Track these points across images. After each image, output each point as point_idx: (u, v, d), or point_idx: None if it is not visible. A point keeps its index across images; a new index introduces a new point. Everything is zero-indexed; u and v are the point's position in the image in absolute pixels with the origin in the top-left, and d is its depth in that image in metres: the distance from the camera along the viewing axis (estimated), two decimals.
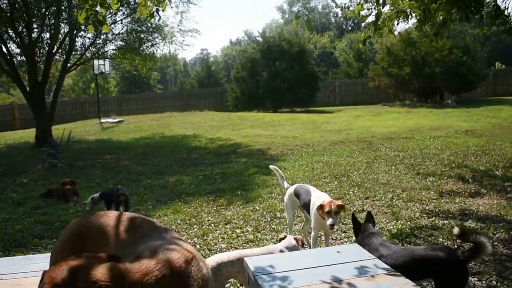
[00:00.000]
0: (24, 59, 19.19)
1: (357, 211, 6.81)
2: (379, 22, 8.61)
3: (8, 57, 18.55)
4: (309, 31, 57.84)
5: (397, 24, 10.83)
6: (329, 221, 4.76)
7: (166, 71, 63.93)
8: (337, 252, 3.39)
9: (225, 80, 52.00)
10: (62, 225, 6.96)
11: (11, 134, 24.76)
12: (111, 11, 17.39)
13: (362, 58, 42.62)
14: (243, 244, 5.77)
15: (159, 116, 27.21)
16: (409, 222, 6.19)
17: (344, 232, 6.02)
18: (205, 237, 6.09)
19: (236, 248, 5.59)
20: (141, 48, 21.24)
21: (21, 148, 18.19)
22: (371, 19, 9.06)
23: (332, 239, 5.74)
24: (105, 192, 7.67)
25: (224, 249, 5.58)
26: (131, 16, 19.78)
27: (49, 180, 11.12)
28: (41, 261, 3.80)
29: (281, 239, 4.52)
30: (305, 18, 5.08)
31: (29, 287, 3.32)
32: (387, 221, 6.29)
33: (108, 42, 21.17)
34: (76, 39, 20.00)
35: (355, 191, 7.99)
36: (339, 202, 4.96)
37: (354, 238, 5.63)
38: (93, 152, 15.66)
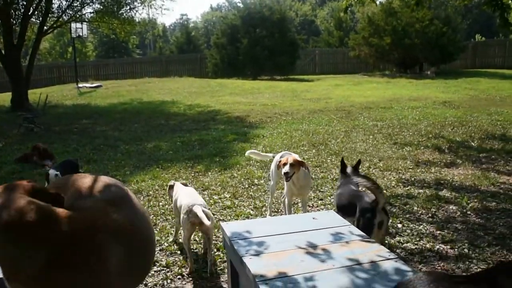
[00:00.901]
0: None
1: (334, 179, 6.85)
2: None
3: None
4: None
5: None
6: (283, 170, 4.80)
7: (145, 36, 62.97)
8: (313, 218, 3.42)
9: (205, 47, 51.38)
10: None
11: None
12: None
13: (343, 27, 42.47)
14: (221, 210, 5.79)
15: (137, 81, 26.88)
16: (385, 191, 6.25)
17: (321, 199, 6.08)
18: None
19: (214, 214, 5.61)
20: (120, 12, 20.83)
21: None
22: None
23: (309, 206, 5.78)
24: (63, 164, 7.10)
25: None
26: None
27: (25, 144, 10.92)
28: None
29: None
30: None
31: None
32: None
33: (85, 4, 20.76)
34: (53, 1, 19.53)
35: (333, 160, 8.04)
36: (298, 158, 5.03)
37: (331, 204, 5.70)
38: (70, 117, 15.44)
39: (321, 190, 6.44)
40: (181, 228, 4.51)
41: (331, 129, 11.04)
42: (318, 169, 7.50)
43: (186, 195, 4.51)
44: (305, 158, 8.03)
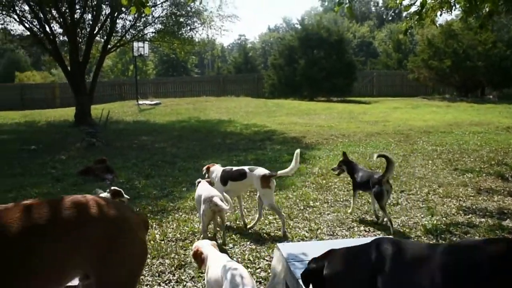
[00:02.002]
0: (66, 39, 19.54)
1: (391, 204, 6.73)
2: (423, 12, 8.42)
3: (51, 36, 18.93)
4: (351, 18, 57.25)
5: (440, 15, 10.60)
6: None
7: (204, 56, 64.16)
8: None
9: (262, 67, 51.90)
10: None
11: (52, 112, 25.34)
12: None
13: (401, 49, 41.86)
14: (275, 231, 5.77)
15: (195, 100, 27.38)
16: (444, 218, 6.09)
17: (378, 224, 5.95)
18: (237, 222, 6.12)
19: (268, 235, 5.62)
20: (180, 32, 21.38)
21: (60, 126, 18.60)
22: (413, 9, 8.89)
23: (366, 231, 5.69)
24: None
25: (255, 235, 5.61)
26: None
27: (87, 158, 11.31)
28: None
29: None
30: (347, 4, 5.01)
31: None
32: (422, 216, 6.19)
33: (148, 25, 21.41)
34: (117, 21, 20.30)
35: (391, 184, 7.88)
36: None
37: (388, 229, 5.59)
38: (130, 132, 15.88)
39: (378, 215, 6.32)
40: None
41: (388, 152, 10.86)
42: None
43: (205, 190, 5.37)
44: None
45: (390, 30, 57.78)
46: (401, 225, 5.87)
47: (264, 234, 5.66)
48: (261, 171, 5.79)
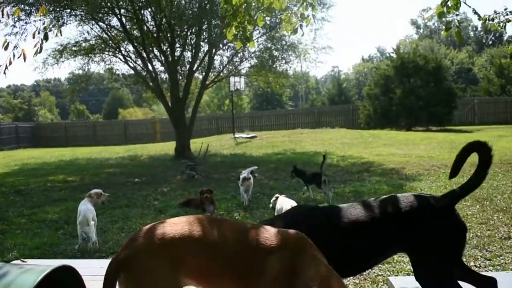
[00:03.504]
0: (167, 76, 20.53)
1: (503, 238, 6.35)
2: None
3: (153, 74, 19.95)
4: (460, 42, 55.52)
5: None
6: None
7: (298, 88, 64.74)
8: None
9: (356, 98, 51.51)
10: None
11: (153, 146, 26.51)
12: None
13: (504, 74, 39.88)
14: (379, 266, 5.58)
15: (290, 132, 27.58)
16: None
17: (489, 260, 5.61)
18: None
19: (372, 269, 5.46)
20: (274, 66, 21.75)
21: (162, 160, 19.37)
22: None
23: (476, 267, 5.40)
24: None
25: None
26: (267, 34, 20.38)
27: (187, 190, 11.67)
28: None
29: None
30: (456, 29, 4.87)
31: None
32: None
33: (244, 60, 22.02)
34: (215, 57, 21.02)
35: (500, 216, 7.46)
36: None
37: (501, 265, 5.26)
38: (228, 165, 16.21)
39: (488, 249, 5.97)
40: None
41: (495, 183, 10.30)
42: (484, 226, 6.99)
43: (286, 201, 6.83)
44: (468, 214, 7.60)
45: (490, 54, 55.42)
46: None
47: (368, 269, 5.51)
48: None
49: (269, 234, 2.64)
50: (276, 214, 6.77)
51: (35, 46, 5.68)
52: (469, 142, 3.48)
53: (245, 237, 2.63)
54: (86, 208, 6.81)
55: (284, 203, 6.67)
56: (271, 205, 7.60)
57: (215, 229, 2.66)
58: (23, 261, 4.67)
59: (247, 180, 9.55)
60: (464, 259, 5.49)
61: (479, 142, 3.32)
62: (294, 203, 6.70)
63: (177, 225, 2.61)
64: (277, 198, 7.30)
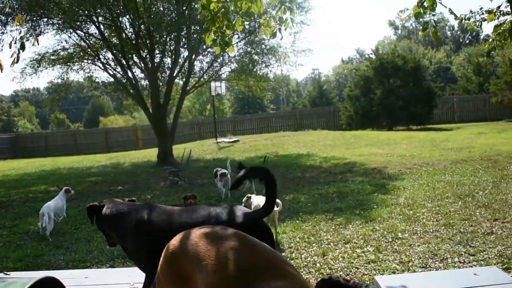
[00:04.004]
0: (147, 83, 20.44)
1: (485, 233, 6.43)
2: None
3: (133, 81, 19.86)
4: (437, 42, 56.11)
5: None
6: None
7: (279, 91, 64.98)
8: (474, 274, 3.22)
9: (337, 99, 51.75)
10: None
11: (135, 153, 26.35)
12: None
13: (482, 72, 40.41)
14: (365, 265, 5.64)
15: (272, 135, 27.62)
16: None
17: (473, 255, 5.68)
18: (325, 256, 6.03)
19: (357, 268, 5.50)
20: (255, 69, 21.76)
21: (144, 166, 19.26)
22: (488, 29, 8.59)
23: (460, 262, 5.46)
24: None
25: (345, 269, 5.51)
26: (246, 38, 20.40)
27: (170, 196, 11.63)
28: None
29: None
30: (433, 29, 4.92)
31: None
32: None
33: (224, 64, 22.00)
34: (195, 62, 20.97)
35: (482, 212, 7.54)
36: None
37: (484, 260, 5.32)
38: (211, 170, 16.06)
39: (472, 245, 6.03)
40: None
41: (477, 179, 10.42)
42: (466, 222, 7.07)
43: (260, 199, 6.85)
44: (451, 211, 7.68)
45: (468, 53, 56.12)
46: (498, 255, 5.57)
47: (354, 268, 5.54)
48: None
49: None
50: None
51: (11, 56, 5.61)
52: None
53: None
54: (46, 204, 8.32)
55: (260, 200, 6.94)
56: (243, 204, 7.62)
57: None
58: (6, 274, 4.61)
59: (225, 176, 10.91)
60: (449, 256, 5.57)
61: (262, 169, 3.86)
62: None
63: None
64: (249, 197, 7.52)
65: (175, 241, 2.59)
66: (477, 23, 9.30)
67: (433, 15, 5.03)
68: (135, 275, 4.16)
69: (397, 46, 41.05)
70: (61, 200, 8.85)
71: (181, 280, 2.45)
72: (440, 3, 5.14)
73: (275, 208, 5.92)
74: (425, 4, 4.93)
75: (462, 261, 5.53)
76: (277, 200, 6.66)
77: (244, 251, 2.36)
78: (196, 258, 2.41)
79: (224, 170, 11.17)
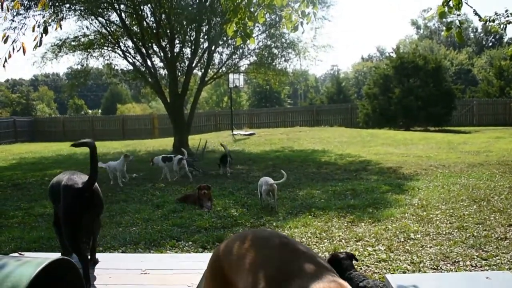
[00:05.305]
0: (166, 72, 20.52)
1: (499, 238, 6.36)
2: None
3: (152, 70, 19.94)
4: (461, 43, 55.46)
5: None
6: None
7: (297, 86, 64.80)
8: (486, 278, 3.19)
9: (355, 97, 51.54)
10: (197, 229, 7.29)
11: (151, 142, 26.49)
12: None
13: (504, 76, 39.91)
14: (375, 263, 5.62)
15: (288, 130, 27.58)
16: None
17: (485, 259, 5.63)
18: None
19: (368, 267, 5.48)
20: (274, 63, 21.75)
21: (160, 155, 19.32)
22: None
23: (472, 266, 5.42)
24: None
25: (356, 266, 5.48)
26: (267, 31, 20.37)
27: (184, 186, 11.69)
28: (185, 260, 3.99)
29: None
30: (457, 29, 4.86)
31: (174, 282, 3.50)
32: None
33: (243, 57, 21.99)
34: (214, 54, 21.01)
35: (497, 217, 7.47)
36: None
37: (497, 265, 5.27)
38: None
39: (485, 249, 5.98)
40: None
41: (493, 184, 10.31)
42: (480, 226, 7.00)
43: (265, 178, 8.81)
44: (465, 214, 7.61)
45: (490, 56, 55.46)
46: (511, 260, 5.51)
47: (364, 266, 5.53)
48: None
49: None
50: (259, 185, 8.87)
51: (34, 40, 5.67)
52: None
53: None
54: (110, 162, 12.36)
55: (264, 178, 8.87)
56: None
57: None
58: (20, 254, 4.67)
59: (181, 161, 12.70)
60: (461, 259, 5.53)
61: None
62: (271, 180, 8.78)
63: None
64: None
65: (223, 244, 2.60)
66: (502, 26, 9.21)
67: (458, 15, 4.97)
68: (146, 261, 4.19)
69: (419, 46, 40.85)
70: (122, 163, 12.21)
71: (223, 283, 2.48)
72: (466, 3, 5.08)
73: (273, 183, 8.55)
74: (451, 3, 4.88)
75: (474, 264, 5.49)
76: (283, 172, 9.20)
77: (286, 256, 2.31)
78: (238, 263, 2.41)
79: (180, 156, 12.96)
